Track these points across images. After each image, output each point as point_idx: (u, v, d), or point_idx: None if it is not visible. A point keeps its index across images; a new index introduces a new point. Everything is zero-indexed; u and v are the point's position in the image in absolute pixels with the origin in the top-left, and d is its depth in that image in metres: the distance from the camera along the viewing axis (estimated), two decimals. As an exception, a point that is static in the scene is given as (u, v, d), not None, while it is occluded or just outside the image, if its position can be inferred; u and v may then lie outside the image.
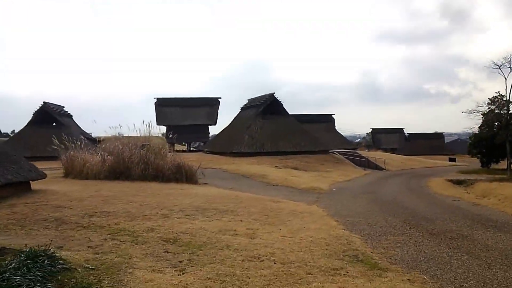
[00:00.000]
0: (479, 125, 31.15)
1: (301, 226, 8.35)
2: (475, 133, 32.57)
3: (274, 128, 35.62)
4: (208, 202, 10.60)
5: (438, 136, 73.37)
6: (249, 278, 4.58)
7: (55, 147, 18.33)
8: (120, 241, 5.82)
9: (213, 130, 53.58)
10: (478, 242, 7.55)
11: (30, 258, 3.85)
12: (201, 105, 52.46)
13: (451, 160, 48.86)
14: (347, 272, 5.24)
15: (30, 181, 10.86)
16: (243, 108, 42.48)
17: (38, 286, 3.41)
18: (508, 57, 26.21)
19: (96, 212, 8.15)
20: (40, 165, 23.38)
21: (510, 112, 27.77)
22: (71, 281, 3.81)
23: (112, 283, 4.02)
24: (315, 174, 24.90)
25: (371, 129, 78.17)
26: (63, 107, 45.37)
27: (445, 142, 73.70)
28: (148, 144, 18.80)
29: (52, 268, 3.88)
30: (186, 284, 4.20)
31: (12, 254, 4.01)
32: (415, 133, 73.38)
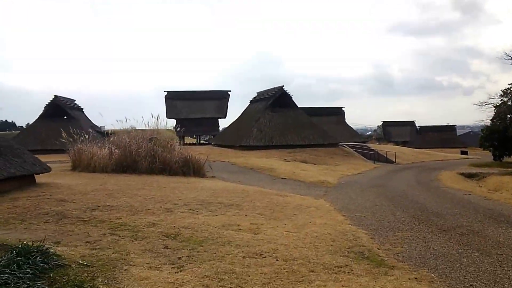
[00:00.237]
0: (491, 118, 30.52)
1: (307, 221, 8.18)
2: (487, 126, 31.92)
3: (283, 121, 35.39)
4: (213, 196, 10.48)
5: (450, 128, 72.30)
6: (249, 276, 4.43)
7: (64, 141, 18.39)
8: (120, 237, 5.71)
9: (223, 123, 53.57)
10: (490, 239, 7.30)
11: (22, 255, 3.74)
12: (211, 98, 52.43)
13: (463, 153, 48.06)
14: (352, 270, 5.06)
15: (35, 175, 10.84)
16: (252, 101, 42.29)
17: (28, 284, 3.30)
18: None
19: (98, 206, 8.07)
20: (50, 158, 23.74)
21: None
22: (63, 279, 3.70)
23: (106, 280, 3.90)
24: (324, 168, 24.65)
25: (382, 122, 77.44)
26: (74, 100, 45.70)
27: (457, 134, 72.62)
28: (155, 138, 18.74)
29: (45, 265, 3.77)
30: (183, 282, 4.06)
31: (5, 250, 3.92)
32: (426, 125, 72.42)
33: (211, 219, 7.52)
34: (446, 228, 8.20)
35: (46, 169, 11.09)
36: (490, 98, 28.72)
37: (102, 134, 30.15)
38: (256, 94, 42.55)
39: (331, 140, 35.95)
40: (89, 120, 45.60)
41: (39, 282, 3.44)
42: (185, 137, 52.97)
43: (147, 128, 19.79)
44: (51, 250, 4.31)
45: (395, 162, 32.93)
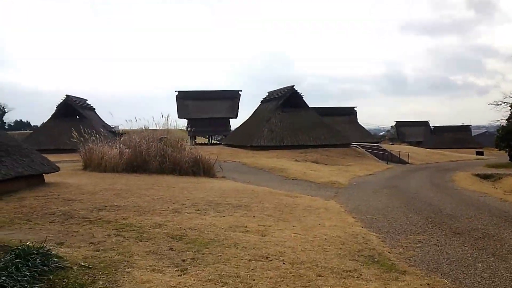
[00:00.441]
0: (507, 117, 29.79)
1: (316, 223, 8.01)
2: (503, 126, 31.17)
3: (294, 121, 35.16)
4: (222, 196, 10.38)
5: (465, 128, 71.08)
6: (254, 280, 4.30)
7: (75, 140, 18.52)
8: (124, 238, 5.63)
9: (235, 123, 53.51)
10: (506, 243, 7.04)
11: (22, 256, 3.66)
12: (222, 98, 52.45)
13: (478, 153, 47.16)
14: (361, 274, 4.89)
15: (45, 174, 10.87)
16: (263, 101, 42.15)
17: (25, 287, 3.22)
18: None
19: (106, 206, 8.02)
20: (62, 157, 23.99)
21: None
22: (63, 282, 3.62)
23: (106, 283, 3.81)
24: (335, 168, 24.38)
25: (395, 122, 76.57)
26: (86, 100, 46.08)
27: (472, 135, 71.32)
28: (165, 137, 18.74)
29: (45, 267, 3.69)
30: (185, 286, 3.95)
31: (4, 251, 3.85)
32: (441, 125, 71.32)
33: (219, 220, 7.41)
34: (460, 231, 7.95)
35: (55, 169, 11.12)
36: (506, 98, 28.07)
37: (114, 133, 30.32)
38: (267, 94, 42.39)
39: (343, 140, 35.59)
40: (101, 119, 45.90)
41: (38, 285, 3.36)
42: (197, 137, 53.15)
43: (158, 128, 19.84)
44: (53, 252, 4.24)
45: (408, 163, 32.44)
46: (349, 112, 57.61)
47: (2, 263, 3.40)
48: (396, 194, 13.71)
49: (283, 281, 4.39)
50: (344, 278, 4.69)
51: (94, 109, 46.93)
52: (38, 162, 10.24)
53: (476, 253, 6.36)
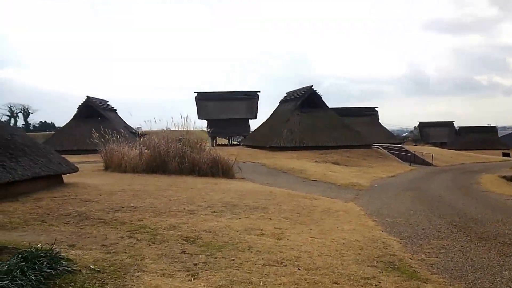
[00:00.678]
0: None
1: (334, 226, 7.78)
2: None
3: (313, 122, 34.77)
4: (239, 198, 10.25)
5: (491, 129, 68.94)
6: (266, 287, 4.14)
7: (96, 141, 18.78)
8: (137, 240, 5.56)
9: (254, 124, 53.42)
10: (537, 250, 6.64)
11: (28, 259, 3.61)
12: (241, 98, 52.42)
13: (505, 155, 45.58)
14: (380, 282, 4.65)
15: (64, 175, 10.98)
16: (281, 102, 41.93)
17: (30, 292, 3.15)
18: None
19: (122, 207, 8.01)
20: (84, 158, 24.41)
21: None
22: (70, 286, 3.54)
23: (115, 288, 3.72)
24: (356, 170, 23.94)
25: (418, 123, 74.93)
26: (107, 101, 46.83)
27: (499, 136, 69.03)
28: (184, 138, 18.77)
29: (52, 271, 3.62)
30: (194, 292, 3.83)
31: (12, 254, 3.81)
32: (466, 126, 69.32)
33: (234, 222, 7.28)
34: (486, 236, 7.57)
35: (74, 169, 11.22)
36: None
37: (135, 134, 30.64)
38: (286, 95, 42.13)
39: (364, 141, 34.98)
40: (123, 120, 46.56)
41: (43, 289, 3.29)
42: (217, 138, 53.30)
43: (179, 129, 19.88)
44: (62, 254, 4.18)
45: (432, 164, 31.60)
46: (371, 113, 56.60)
47: (7, 266, 3.34)
48: (419, 196, 13.28)
49: (297, 288, 4.21)
50: (362, 286, 4.48)
51: (115, 110, 47.62)
52: (56, 163, 10.34)
53: (503, 260, 6.02)
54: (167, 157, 17.09)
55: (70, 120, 40.94)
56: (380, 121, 57.81)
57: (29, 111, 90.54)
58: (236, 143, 54.84)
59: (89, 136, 20.28)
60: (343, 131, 35.09)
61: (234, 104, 51.67)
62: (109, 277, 3.97)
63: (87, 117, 38.78)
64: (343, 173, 21.04)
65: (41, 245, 4.08)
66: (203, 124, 51.13)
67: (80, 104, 41.08)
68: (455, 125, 70.92)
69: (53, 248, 4.16)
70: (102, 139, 18.53)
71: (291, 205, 9.77)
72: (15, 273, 3.28)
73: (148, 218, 7.16)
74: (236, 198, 10.09)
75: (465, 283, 5.00)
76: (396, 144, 42.91)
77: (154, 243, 5.47)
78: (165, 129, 20.08)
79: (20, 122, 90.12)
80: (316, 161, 26.62)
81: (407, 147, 42.45)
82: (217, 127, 50.35)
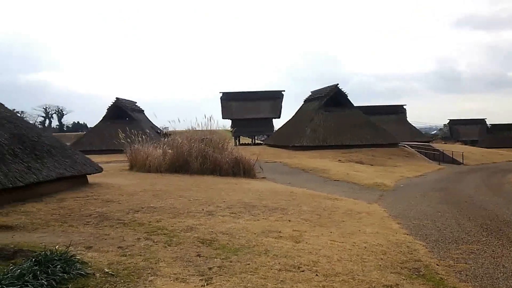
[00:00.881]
0: None
1: (356, 229, 7.53)
2: None
3: (338, 121, 34.26)
4: (259, 198, 10.13)
5: (525, 127, 65.92)
6: (281, 294, 4.00)
7: (123, 141, 19.09)
8: (154, 242, 5.52)
9: (278, 124, 53.20)
10: None
11: (42, 263, 3.60)
12: (265, 98, 52.31)
13: (541, 153, 43.47)
14: (402, 290, 4.42)
15: (89, 175, 11.16)
16: (306, 101, 41.55)
17: (40, 297, 3.13)
18: None
19: (142, 208, 8.04)
20: (112, 158, 24.93)
21: None
22: (81, 290, 3.52)
23: (126, 293, 3.67)
24: (381, 169, 23.38)
25: (448, 120, 72.77)
26: (135, 102, 47.73)
27: (534, 133, 65.98)
28: (207, 138, 18.81)
29: (65, 275, 3.60)
30: (206, 298, 3.72)
31: (26, 257, 3.82)
32: (498, 124, 66.55)
33: (252, 224, 7.16)
34: (520, 241, 7.15)
35: (98, 170, 11.40)
36: None
37: (161, 134, 30.99)
38: (310, 93, 41.72)
39: (390, 139, 34.20)
40: (150, 121, 47.32)
41: (54, 294, 3.26)
42: (241, 137, 53.42)
43: (204, 128, 19.92)
44: (78, 257, 4.17)
45: (462, 163, 30.57)
46: (398, 111, 55.35)
47: (19, 270, 3.33)
48: (448, 197, 12.78)
49: (313, 295, 4.04)
50: (383, 294, 4.26)
51: (143, 111, 48.46)
52: (80, 163, 10.52)
53: (539, 268, 5.64)
54: (190, 157, 17.17)
55: (100, 121, 41.89)
56: (408, 119, 56.52)
57: (63, 112, 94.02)
58: (259, 142, 54.81)
59: (117, 137, 20.64)
60: (369, 129, 34.42)
61: (258, 103, 51.62)
62: (122, 281, 3.92)
63: (116, 118, 39.58)
64: (367, 173, 20.57)
65: (56, 248, 4.08)
66: (227, 124, 51.45)
67: (110, 105, 42.01)
68: (487, 123, 68.40)
69: (68, 251, 4.15)
70: (128, 140, 18.84)
71: (311, 206, 9.57)
72: (27, 278, 3.27)
73: (167, 219, 7.14)
74: (256, 199, 9.98)
75: (496, 292, 4.70)
76: (424, 142, 41.76)
77: (170, 246, 5.42)
78: (191, 128, 20.18)
79: (55, 123, 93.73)
80: (340, 160, 26.19)
81: (436, 145, 41.24)
82: (241, 127, 50.46)
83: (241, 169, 16.92)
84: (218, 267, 4.66)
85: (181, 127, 21.56)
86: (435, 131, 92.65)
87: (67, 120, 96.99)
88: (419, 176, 21.14)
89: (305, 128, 34.15)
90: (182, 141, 18.00)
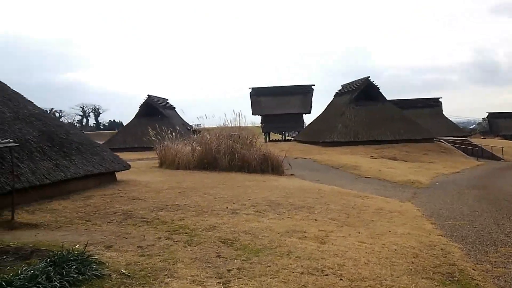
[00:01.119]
0: None
1: (386, 229, 7.17)
2: None
3: (370, 115, 33.36)
4: (285, 196, 9.91)
5: None
6: (302, 300, 3.79)
7: (153, 138, 19.36)
8: (174, 241, 5.43)
9: (308, 119, 52.58)
10: None
11: (57, 264, 3.56)
12: (295, 93, 51.77)
13: None
14: (434, 298, 4.11)
15: (117, 172, 11.30)
16: (336, 95, 40.74)
17: (52, 299, 3.07)
18: None
19: (167, 205, 8.02)
20: (143, 155, 25.37)
21: None
22: (94, 293, 3.45)
23: (140, 296, 3.57)
24: (416, 165, 22.54)
25: (487, 114, 69.50)
26: (167, 99, 48.42)
27: None
28: (235, 134, 18.73)
29: (79, 276, 3.55)
30: (222, 304, 3.57)
31: (42, 257, 3.79)
32: (542, 116, 62.99)
33: (276, 223, 6.96)
34: None
35: (125, 167, 11.53)
36: None
37: (192, 131, 31.25)
38: (340, 87, 40.87)
39: (425, 134, 32.98)
40: (181, 118, 47.86)
41: (66, 297, 3.20)
42: (271, 133, 53.21)
43: (233, 125, 19.87)
44: (95, 257, 4.13)
45: (502, 159, 29.06)
46: (433, 104, 53.29)
47: (32, 271, 3.29)
48: (486, 196, 12.08)
49: (336, 302, 3.81)
50: (412, 302, 3.97)
51: (174, 108, 49.04)
52: (108, 160, 10.66)
53: None
54: (218, 153, 17.14)
55: (133, 119, 42.72)
56: (444, 112, 54.37)
57: (100, 110, 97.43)
58: (289, 138, 54.39)
59: (149, 134, 20.97)
60: (402, 124, 33.32)
61: (288, 98, 51.17)
62: (137, 283, 3.84)
63: (148, 115, 40.22)
64: (401, 170, 19.87)
65: (72, 248, 4.05)
66: (257, 120, 51.39)
67: (142, 103, 42.79)
68: (530, 116, 64.81)
69: (85, 250, 4.11)
70: (159, 137, 19.08)
71: (339, 204, 9.25)
72: (40, 279, 3.22)
73: (190, 217, 7.07)
74: (282, 197, 9.76)
75: (540, 302, 4.29)
76: (461, 137, 40.08)
77: (190, 245, 5.32)
78: (222, 125, 20.15)
79: (91, 121, 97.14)
80: (372, 156, 25.49)
81: (474, 140, 39.47)
82: (271, 123, 50.31)
83: (269, 166, 16.73)
84: (237, 269, 4.51)
85: (211, 123, 21.67)
86: (473, 125, 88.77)
87: (104, 118, 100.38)
88: (456, 173, 20.22)
89: (335, 123, 33.50)
90: (210, 138, 18.02)
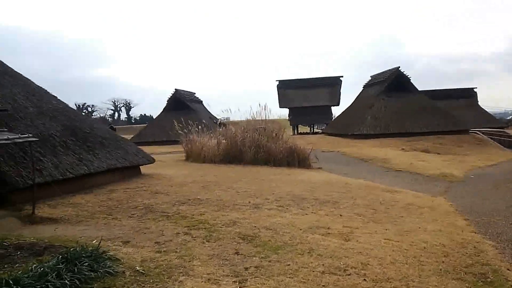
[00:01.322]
0: None
1: (415, 226, 6.83)
2: None
3: (400, 107, 32.29)
4: (310, 190, 9.67)
5: None
6: (321, 302, 3.58)
7: (180, 132, 19.50)
8: (192, 237, 5.33)
9: (337, 111, 51.69)
10: None
11: (69, 260, 3.50)
12: (322, 85, 50.90)
13: None
14: (466, 302, 3.81)
15: (142, 166, 11.37)
16: (365, 86, 39.71)
17: (61, 297, 3.00)
18: None
19: (189, 200, 7.96)
20: (170, 148, 25.64)
21: None
22: (107, 291, 3.37)
23: (152, 295, 3.47)
24: (449, 158, 21.62)
25: (526, 103, 66.09)
26: (194, 93, 48.76)
27: None
28: (261, 127, 18.55)
29: (91, 273, 3.48)
30: (236, 304, 3.42)
31: (55, 253, 3.76)
32: None
33: (299, 218, 6.76)
34: None
35: (150, 161, 11.58)
36: None
37: (219, 125, 31.32)
38: (370, 78, 39.80)
39: (459, 126, 31.64)
40: (208, 111, 48.08)
41: (76, 295, 3.14)
42: (299, 126, 52.70)
43: (259, 118, 19.68)
44: (109, 253, 4.07)
45: (543, 151, 27.47)
46: (468, 94, 51.06)
47: (41, 269, 3.24)
48: (525, 190, 11.37)
49: (358, 305, 3.58)
50: (441, 307, 3.69)
51: (201, 101, 49.32)
52: (132, 154, 10.73)
53: None
54: (243, 147, 17.03)
55: (161, 113, 43.26)
56: (479, 103, 52.06)
57: (131, 105, 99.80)
58: (318, 131, 53.69)
59: (175, 128, 21.12)
60: (435, 115, 32.09)
61: (316, 91, 50.38)
62: (151, 281, 3.75)
63: (176, 109, 40.60)
64: (433, 162, 19.09)
65: (86, 244, 4.00)
66: (285, 113, 50.98)
67: (169, 97, 43.25)
68: None
69: (100, 246, 4.06)
70: (185, 130, 19.19)
71: (366, 199, 8.92)
72: (49, 277, 3.16)
73: (211, 212, 6.97)
74: (307, 191, 9.52)
75: None
76: (498, 129, 38.22)
77: (208, 241, 5.21)
78: (250, 118, 19.96)
79: (123, 115, 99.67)
80: (403, 149, 24.67)
81: (511, 131, 37.61)
82: (299, 115, 49.81)
83: (295, 159, 16.47)
84: (255, 267, 4.35)
85: (238, 117, 21.57)
86: (510, 116, 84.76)
87: (135, 112, 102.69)
88: (492, 166, 19.23)
89: (365, 115, 32.67)
90: (235, 131, 17.93)
